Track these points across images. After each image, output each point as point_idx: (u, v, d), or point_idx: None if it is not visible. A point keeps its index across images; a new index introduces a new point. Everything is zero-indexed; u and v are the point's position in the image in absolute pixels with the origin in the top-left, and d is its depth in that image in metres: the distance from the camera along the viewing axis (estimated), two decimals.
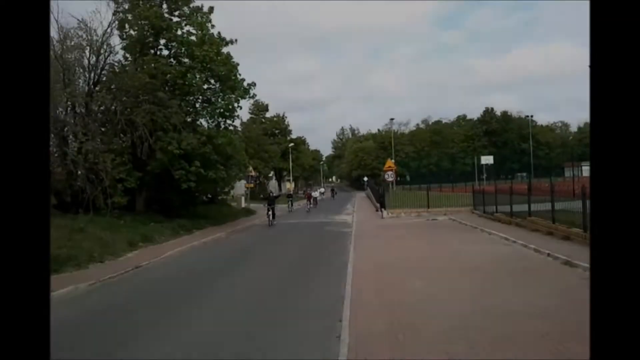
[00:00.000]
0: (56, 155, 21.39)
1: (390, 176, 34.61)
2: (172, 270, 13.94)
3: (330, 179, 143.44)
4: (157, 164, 22.59)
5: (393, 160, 42.82)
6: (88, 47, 21.98)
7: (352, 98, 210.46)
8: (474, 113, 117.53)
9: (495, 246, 14.93)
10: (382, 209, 29.86)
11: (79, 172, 20.81)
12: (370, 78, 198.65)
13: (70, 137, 21.37)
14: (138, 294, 10.95)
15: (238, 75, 25.70)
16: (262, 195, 42.38)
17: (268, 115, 72.25)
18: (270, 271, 13.25)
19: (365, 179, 77.46)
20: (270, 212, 26.80)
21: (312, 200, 42.84)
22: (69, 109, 21.47)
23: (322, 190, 72.27)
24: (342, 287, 10.28)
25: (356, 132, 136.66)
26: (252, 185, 43.30)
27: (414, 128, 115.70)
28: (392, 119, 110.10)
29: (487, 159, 77.35)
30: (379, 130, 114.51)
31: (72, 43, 21.56)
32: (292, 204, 40.72)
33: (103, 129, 22.22)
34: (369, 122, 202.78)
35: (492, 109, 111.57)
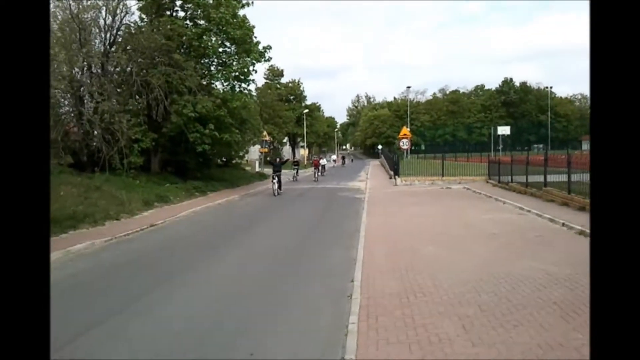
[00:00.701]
0: (72, 115, 21.54)
1: (405, 144, 34.30)
2: (186, 229, 14.10)
3: (344, 147, 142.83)
4: (172, 127, 22.63)
5: (408, 129, 42.09)
6: (104, 7, 21.85)
7: (369, 66, 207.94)
8: (493, 83, 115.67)
9: (509, 215, 14.84)
10: (396, 177, 29.74)
11: (95, 132, 20.94)
12: (388, 47, 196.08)
13: (87, 97, 21.40)
14: (153, 251, 11.13)
15: (254, 38, 25.39)
16: (268, 159, 38.81)
17: (283, 81, 71.81)
18: (283, 233, 13.34)
19: (380, 147, 76.99)
20: (275, 180, 24.20)
21: (320, 168, 38.69)
22: (85, 69, 21.46)
23: (334, 157, 71.42)
24: (354, 251, 10.33)
25: (372, 100, 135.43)
26: (266, 149, 43.27)
27: (431, 97, 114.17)
28: (408, 87, 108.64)
29: (503, 130, 76.22)
30: (395, 98, 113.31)
31: (88, 3, 21.41)
32: (297, 172, 36.93)
33: (119, 90, 22.20)
34: (385, 91, 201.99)
35: (511, 79, 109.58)
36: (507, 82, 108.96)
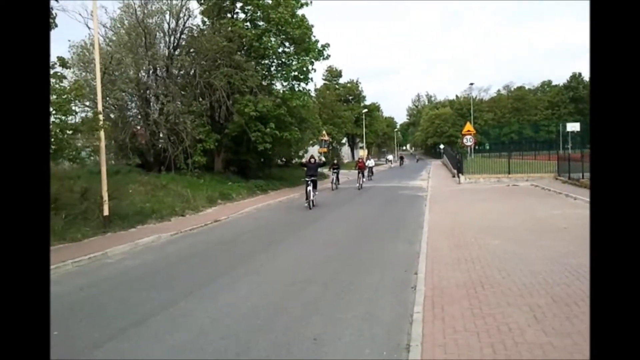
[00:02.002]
0: (139, 117, 22.44)
1: (469, 140, 33.28)
2: (249, 224, 14.28)
3: (403, 147, 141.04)
4: (234, 126, 23.09)
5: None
6: (168, 12, 22.60)
7: (430, 64, 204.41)
8: (560, 79, 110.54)
9: (580, 210, 14.03)
10: (460, 174, 28.95)
11: (161, 133, 21.70)
12: (450, 44, 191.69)
13: (152, 99, 22.22)
14: (217, 244, 11.32)
15: (312, 37, 25.51)
16: (302, 162, 25.61)
17: (342, 81, 71.71)
18: (346, 228, 13.23)
19: (442, 146, 75.33)
20: (310, 188, 18.12)
21: (366, 172, 30.31)
22: (150, 71, 22.30)
23: (390, 157, 69.29)
24: (417, 245, 10.10)
25: (433, 98, 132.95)
26: (325, 149, 43.37)
27: (495, 94, 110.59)
28: (471, 84, 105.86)
29: (573, 126, 72.38)
30: (457, 96, 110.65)
31: (153, 7, 22.22)
32: (337, 179, 27.52)
33: (183, 92, 22.91)
34: (447, 89, 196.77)
35: (580, 74, 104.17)
36: (576, 77, 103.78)
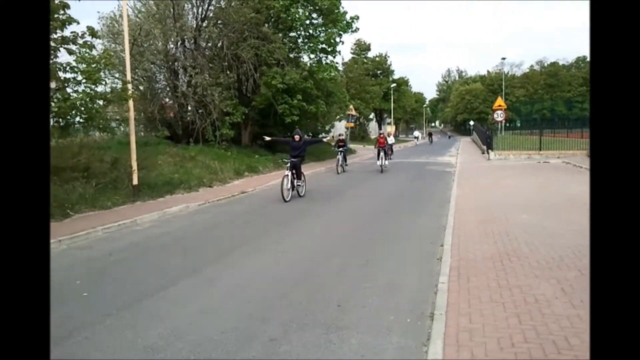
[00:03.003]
0: (167, 89, 22.58)
1: (499, 115, 32.46)
2: (275, 196, 14.32)
3: (432, 124, 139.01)
4: (261, 99, 23.05)
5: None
6: None
7: (460, 38, 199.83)
8: None
9: None
10: (489, 151, 28.46)
11: (189, 106, 21.83)
12: (481, 17, 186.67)
13: (180, 71, 22.30)
14: (243, 214, 11.42)
15: (341, 9, 25.11)
16: (288, 134, 20.89)
17: (370, 55, 70.73)
18: (373, 201, 13.19)
19: (472, 123, 73.91)
20: (288, 174, 13.40)
21: (385, 151, 22.59)
22: (178, 43, 22.30)
23: (417, 134, 66.38)
24: (444, 219, 10.00)
25: (463, 74, 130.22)
26: (352, 124, 42.98)
27: (527, 70, 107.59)
28: (503, 59, 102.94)
29: None
30: (488, 71, 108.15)
31: None
32: (345, 159, 22.33)
33: (210, 65, 22.88)
34: (478, 64, 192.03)
35: None
36: None
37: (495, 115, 33.32)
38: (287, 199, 12.83)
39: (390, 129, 74.61)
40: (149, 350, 4.20)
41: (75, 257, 7.61)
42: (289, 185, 13.20)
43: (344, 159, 22.21)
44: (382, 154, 21.93)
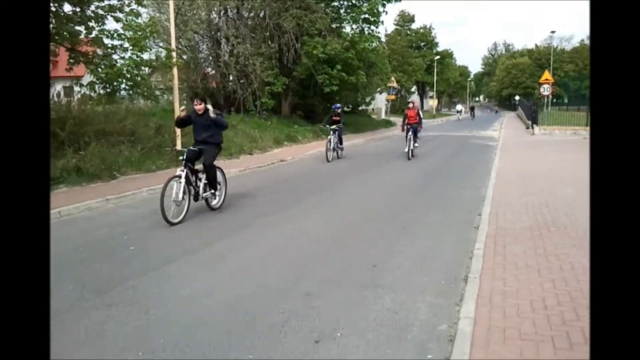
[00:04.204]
0: (210, 58, 22.82)
1: (546, 89, 31.34)
2: (313, 164, 14.50)
3: (476, 98, 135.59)
4: (301, 69, 23.03)
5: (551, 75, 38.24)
6: None
7: (508, 9, 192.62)
8: None
9: None
10: (534, 125, 27.68)
11: (231, 75, 22.05)
12: None
13: (223, 40, 22.46)
14: (281, 181, 11.63)
15: None
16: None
17: (414, 27, 69.16)
18: (413, 172, 13.12)
19: (517, 98, 71.66)
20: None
21: (415, 131, 16.47)
22: (221, 13, 22.42)
23: (460, 108, 63.27)
24: (483, 190, 9.91)
25: (510, 47, 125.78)
26: (393, 97, 42.50)
27: (577, 44, 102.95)
28: (552, 32, 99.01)
29: None
30: (536, 45, 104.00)
31: None
32: (339, 139, 16.36)
33: (252, 35, 22.93)
34: (526, 38, 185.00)
35: None
36: None
37: (541, 89, 32.23)
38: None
39: (432, 102, 73.03)
40: (191, 300, 4.42)
41: (122, 215, 7.97)
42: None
43: (339, 140, 16.19)
44: (410, 134, 15.90)
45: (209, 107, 8.05)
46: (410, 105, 17.30)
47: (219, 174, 8.43)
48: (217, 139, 8.19)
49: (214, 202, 8.33)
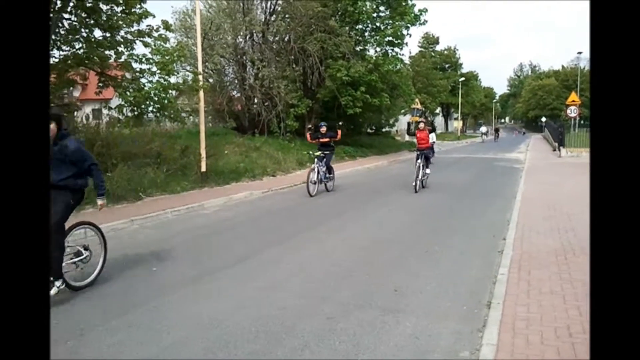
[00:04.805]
0: (236, 81, 23.25)
1: (573, 111, 30.91)
2: (337, 187, 14.50)
3: (502, 120, 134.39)
4: (325, 92, 23.24)
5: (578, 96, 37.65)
6: None
7: (533, 32, 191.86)
8: None
9: None
10: (560, 147, 27.28)
11: (256, 98, 22.39)
12: (555, 8, 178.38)
13: (248, 64, 22.87)
14: (305, 202, 11.63)
15: (409, 1, 24.80)
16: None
17: (438, 48, 69.33)
18: (439, 195, 12.93)
19: (544, 119, 70.72)
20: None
21: (427, 157, 14.03)
22: (247, 37, 22.88)
23: (484, 129, 61.36)
24: (509, 213, 9.77)
25: (536, 68, 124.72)
26: (417, 118, 42.40)
27: None
28: (579, 53, 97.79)
29: None
30: (562, 66, 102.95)
31: None
32: (329, 170, 13.40)
33: (277, 58, 23.29)
34: (552, 59, 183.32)
35: None
36: None
37: (568, 111, 31.78)
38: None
39: (456, 124, 72.46)
40: (212, 321, 4.44)
41: (146, 236, 8.09)
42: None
43: (327, 169, 13.26)
44: (420, 161, 13.42)
45: (69, 137, 5.22)
46: (421, 125, 14.23)
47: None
48: (74, 182, 5.22)
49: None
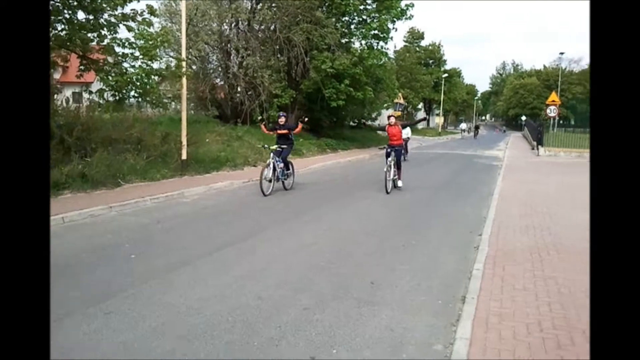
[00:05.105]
0: (219, 69, 23.04)
1: (552, 111, 31.39)
2: (317, 179, 14.56)
3: (483, 117, 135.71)
4: (309, 83, 23.19)
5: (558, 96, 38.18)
6: None
7: (517, 33, 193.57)
8: None
9: None
10: (539, 147, 27.70)
11: (239, 87, 22.24)
12: (539, 9, 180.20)
13: (233, 52, 22.69)
14: (285, 193, 11.64)
15: None
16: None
17: (423, 44, 69.61)
18: (416, 191, 13.06)
19: (524, 118, 71.57)
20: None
21: (399, 154, 12.43)
22: (233, 24, 22.67)
23: (464, 126, 60.20)
24: (485, 210, 9.91)
25: (519, 67, 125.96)
26: (399, 113, 42.56)
27: (586, 66, 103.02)
28: (561, 54, 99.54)
29: None
30: (544, 66, 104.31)
31: None
32: (287, 166, 12.10)
33: (262, 47, 23.12)
34: (534, 59, 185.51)
35: None
36: None
37: (548, 111, 32.28)
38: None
39: (438, 119, 72.90)
40: (190, 310, 4.45)
41: (124, 223, 8.03)
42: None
43: (285, 165, 11.90)
44: (391, 158, 12.04)
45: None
46: (392, 120, 12.60)
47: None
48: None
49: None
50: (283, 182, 11.85)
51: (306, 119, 13.32)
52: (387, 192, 11.71)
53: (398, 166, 12.38)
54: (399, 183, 12.44)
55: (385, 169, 12.00)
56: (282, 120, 12.10)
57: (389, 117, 13.07)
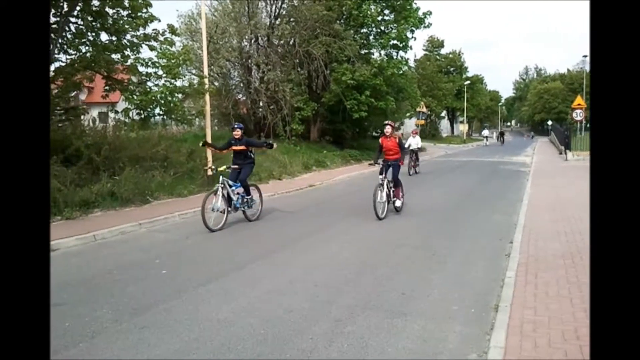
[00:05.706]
0: (241, 85, 23.35)
1: (579, 115, 30.84)
2: (342, 190, 14.55)
3: (508, 123, 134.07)
4: (330, 95, 23.30)
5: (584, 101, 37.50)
6: None
7: (539, 35, 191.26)
8: None
9: None
10: (567, 151, 27.20)
11: (261, 101, 22.48)
12: (562, 12, 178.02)
13: (254, 67, 22.96)
14: (311, 205, 11.69)
15: (413, 4, 24.86)
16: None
17: (443, 52, 69.25)
18: (444, 198, 12.96)
19: (550, 122, 70.43)
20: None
21: (395, 169, 10.35)
22: (252, 40, 22.97)
23: (486, 133, 55.20)
24: (515, 217, 9.78)
25: (542, 72, 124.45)
26: (422, 121, 42.39)
27: None
28: (585, 57, 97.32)
29: None
30: (568, 70, 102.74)
31: None
32: (244, 189, 9.39)
33: (282, 61, 23.36)
34: (558, 63, 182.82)
35: None
36: None
37: (574, 114, 31.75)
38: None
39: (462, 127, 72.29)
40: (222, 323, 4.48)
41: (154, 239, 8.15)
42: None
43: (246, 190, 9.53)
44: (384, 176, 10.01)
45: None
46: (387, 130, 10.33)
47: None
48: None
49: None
50: (244, 212, 9.52)
51: (274, 146, 10.82)
52: (379, 218, 9.51)
53: (395, 184, 10.36)
54: (398, 203, 10.38)
55: (377, 187, 9.74)
56: (237, 133, 9.35)
57: (384, 124, 10.62)
